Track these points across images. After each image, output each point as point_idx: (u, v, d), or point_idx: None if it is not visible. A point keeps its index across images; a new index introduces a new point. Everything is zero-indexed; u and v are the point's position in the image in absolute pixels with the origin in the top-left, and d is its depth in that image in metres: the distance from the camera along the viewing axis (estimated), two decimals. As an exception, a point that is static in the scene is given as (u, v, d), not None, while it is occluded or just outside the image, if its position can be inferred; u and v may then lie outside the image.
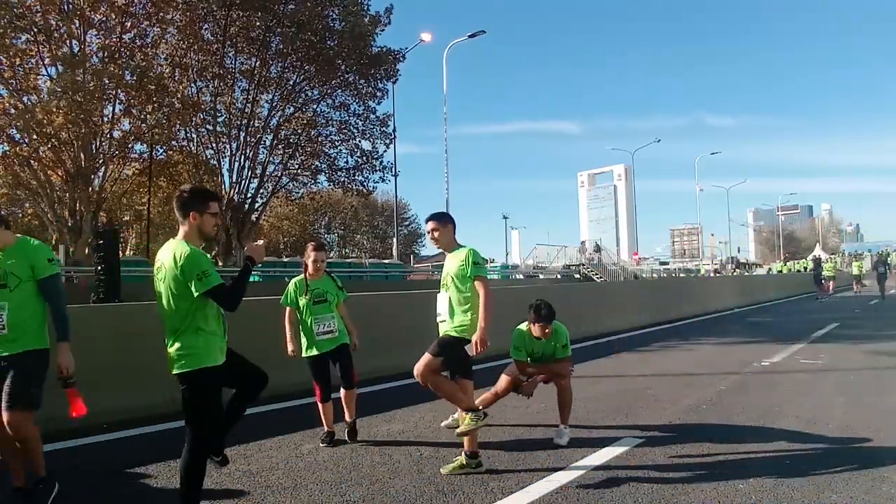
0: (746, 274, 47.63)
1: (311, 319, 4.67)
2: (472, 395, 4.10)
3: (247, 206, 25.10)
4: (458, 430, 4.06)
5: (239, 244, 24.16)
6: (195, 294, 2.95)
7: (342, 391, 4.76)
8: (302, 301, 4.71)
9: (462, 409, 4.08)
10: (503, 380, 4.89)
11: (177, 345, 3.01)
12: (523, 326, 4.84)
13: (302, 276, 4.82)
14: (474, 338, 3.92)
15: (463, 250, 4.11)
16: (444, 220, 4.23)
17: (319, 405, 4.74)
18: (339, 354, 4.75)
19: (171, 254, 3.04)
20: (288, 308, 4.82)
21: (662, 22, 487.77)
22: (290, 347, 4.80)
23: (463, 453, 3.99)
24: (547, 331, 4.69)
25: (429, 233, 4.25)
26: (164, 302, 3.05)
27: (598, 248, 36.16)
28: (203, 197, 3.19)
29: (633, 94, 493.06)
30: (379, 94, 26.63)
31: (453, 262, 4.10)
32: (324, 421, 4.75)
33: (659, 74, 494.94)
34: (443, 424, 5.16)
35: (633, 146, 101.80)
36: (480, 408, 4.09)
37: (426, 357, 4.03)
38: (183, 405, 3.05)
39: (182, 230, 3.11)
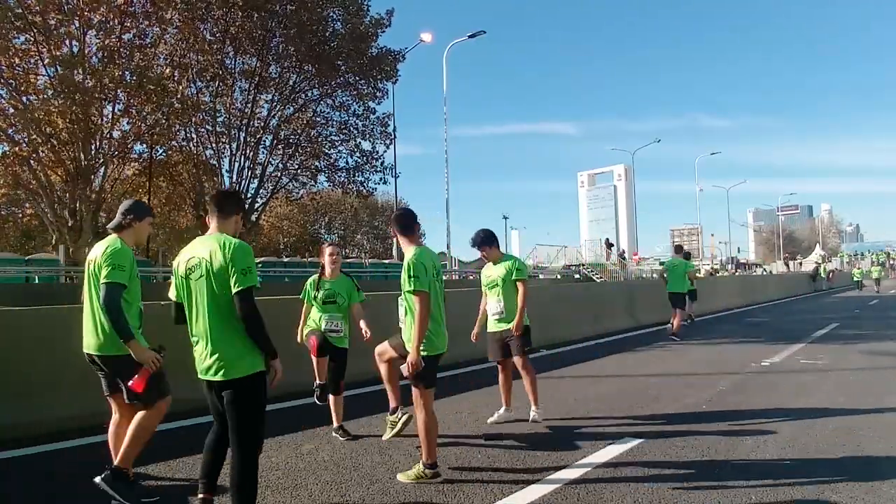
0: (745, 273, 47.72)
1: (321, 314, 4.83)
2: (430, 414, 3.84)
3: (247, 206, 25.09)
4: (399, 476, 3.85)
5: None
6: (235, 289, 2.80)
7: (331, 397, 4.88)
8: (316, 297, 4.88)
9: (425, 452, 3.84)
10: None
11: (226, 348, 2.85)
12: None
13: (318, 274, 4.99)
14: (408, 358, 3.75)
15: (405, 257, 3.86)
16: (396, 223, 4.06)
17: (314, 359, 4.70)
18: (334, 357, 4.84)
19: (213, 247, 2.88)
20: (305, 304, 4.98)
21: (659, 23, 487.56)
22: (299, 338, 4.95)
23: (420, 462, 3.84)
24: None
25: (393, 235, 4.25)
26: (206, 302, 2.87)
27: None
28: (241, 199, 3.37)
29: (631, 96, 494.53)
30: (379, 94, 26.64)
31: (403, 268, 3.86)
32: (316, 375, 4.80)
33: (656, 76, 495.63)
34: (489, 420, 5.17)
35: (633, 147, 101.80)
36: (438, 466, 3.83)
37: (390, 351, 4.27)
38: (233, 413, 2.88)
39: (217, 226, 3.03)
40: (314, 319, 4.87)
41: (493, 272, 5.30)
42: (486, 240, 5.30)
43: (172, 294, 3.15)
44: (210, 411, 3.10)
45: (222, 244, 2.89)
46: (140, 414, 3.47)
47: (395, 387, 4.73)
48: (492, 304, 5.30)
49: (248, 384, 2.87)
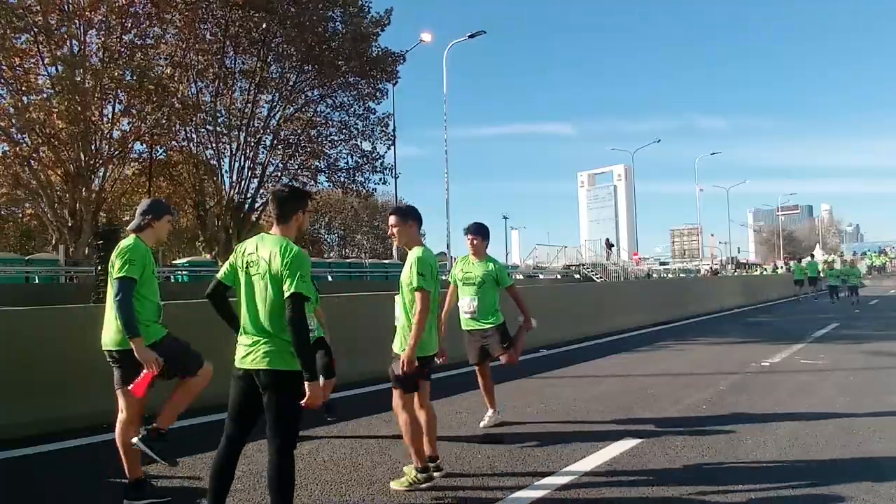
0: (745, 274, 47.78)
1: None
2: (413, 417, 3.78)
3: (247, 206, 25.09)
4: (392, 484, 3.75)
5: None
6: (287, 292, 2.82)
7: (321, 380, 4.88)
8: None
9: (414, 457, 3.74)
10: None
11: (270, 341, 2.87)
12: None
13: None
14: (402, 355, 3.69)
15: (413, 254, 3.82)
16: (405, 217, 3.92)
17: None
18: (318, 347, 4.85)
19: (274, 250, 2.91)
20: None
21: (658, 23, 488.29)
22: None
23: (412, 467, 3.74)
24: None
25: (390, 227, 3.93)
26: (262, 301, 2.90)
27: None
28: (305, 196, 3.23)
29: (628, 96, 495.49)
30: (379, 94, 26.66)
31: (405, 266, 3.85)
32: None
33: (654, 76, 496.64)
34: (481, 425, 5.17)
35: (632, 147, 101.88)
36: (430, 469, 3.74)
37: (396, 394, 3.84)
38: (273, 405, 2.86)
39: (280, 227, 3.03)
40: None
41: (474, 270, 5.06)
42: (481, 230, 5.11)
43: (220, 273, 3.11)
44: (229, 409, 2.97)
45: (283, 249, 2.90)
46: (187, 380, 3.57)
47: (419, 443, 3.82)
48: (465, 302, 5.08)
49: (291, 377, 2.85)
